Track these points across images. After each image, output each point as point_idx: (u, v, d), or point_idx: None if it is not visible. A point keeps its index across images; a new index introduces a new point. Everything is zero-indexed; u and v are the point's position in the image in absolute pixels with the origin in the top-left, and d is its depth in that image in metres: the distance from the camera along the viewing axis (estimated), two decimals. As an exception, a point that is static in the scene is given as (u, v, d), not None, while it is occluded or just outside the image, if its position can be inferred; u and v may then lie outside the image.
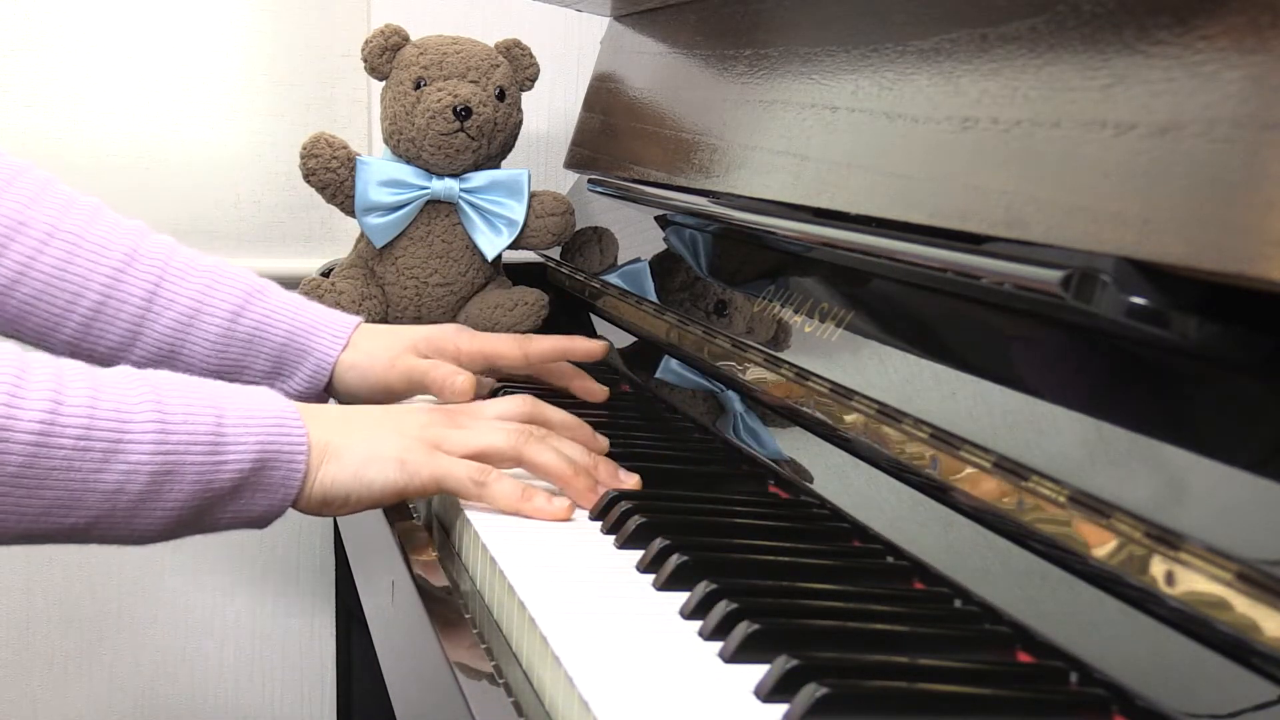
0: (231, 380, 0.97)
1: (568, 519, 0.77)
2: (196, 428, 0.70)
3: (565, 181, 1.52)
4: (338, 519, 1.29)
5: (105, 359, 0.94)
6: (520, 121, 1.31)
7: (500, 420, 0.81)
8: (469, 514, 0.76)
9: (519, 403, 0.83)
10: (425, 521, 0.84)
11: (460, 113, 1.24)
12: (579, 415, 0.87)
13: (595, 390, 1.02)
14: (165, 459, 0.68)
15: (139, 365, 0.96)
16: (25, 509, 0.65)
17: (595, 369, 1.14)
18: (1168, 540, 0.52)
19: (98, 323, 0.92)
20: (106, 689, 1.65)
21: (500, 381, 1.06)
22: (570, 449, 0.80)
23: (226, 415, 0.71)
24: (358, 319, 0.98)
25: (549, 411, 0.84)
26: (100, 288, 0.92)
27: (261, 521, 0.74)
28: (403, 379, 0.95)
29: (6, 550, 1.59)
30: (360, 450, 0.75)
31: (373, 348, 0.96)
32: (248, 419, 0.72)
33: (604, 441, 0.86)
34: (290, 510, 0.76)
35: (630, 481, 0.80)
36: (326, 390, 0.97)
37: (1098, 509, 0.56)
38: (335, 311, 0.98)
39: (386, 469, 0.75)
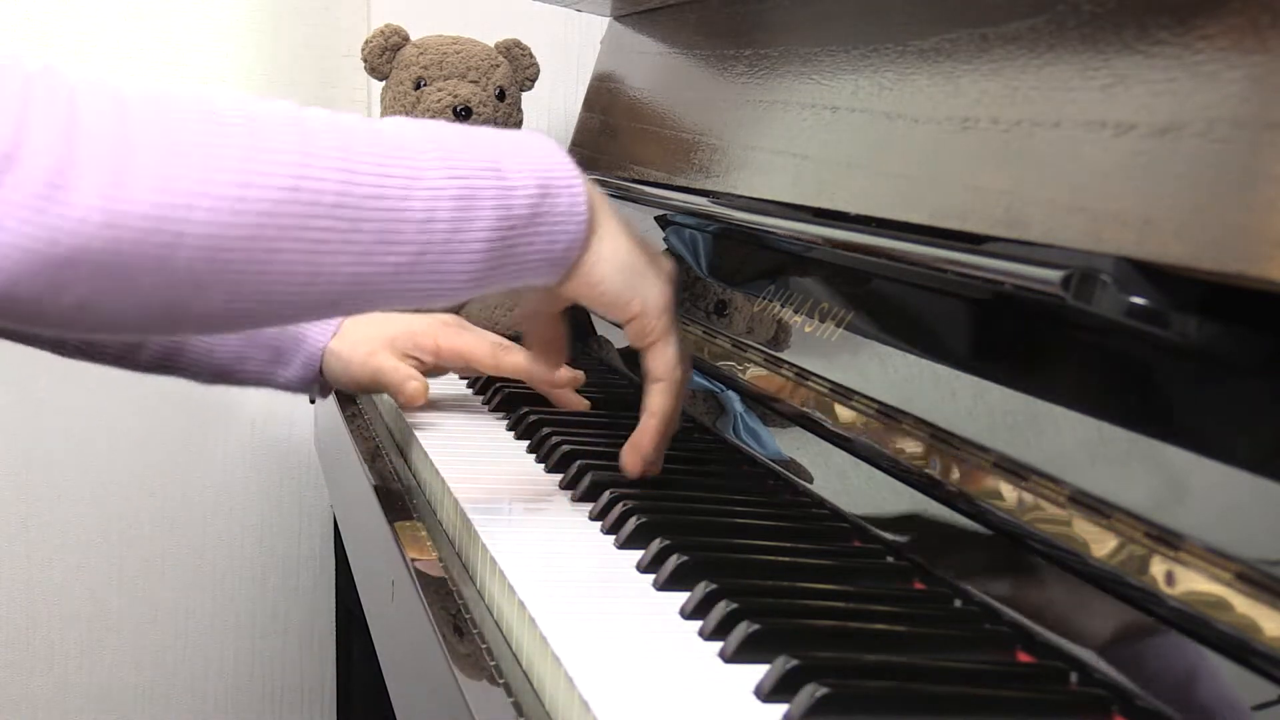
0: (233, 372, 1.01)
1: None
2: (479, 156, 0.69)
3: (565, 181, 1.51)
4: (337, 518, 1.29)
5: (119, 358, 0.98)
6: (520, 121, 1.31)
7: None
8: (471, 515, 0.76)
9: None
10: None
11: (460, 113, 1.24)
12: (577, 418, 0.88)
13: (573, 402, 1.01)
14: (461, 184, 0.67)
15: (148, 362, 1.00)
16: (354, 244, 0.64)
17: (595, 370, 1.15)
18: (1168, 540, 0.52)
19: None
20: (106, 689, 1.65)
21: (499, 381, 1.07)
22: None
23: (501, 149, 0.71)
24: None
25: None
26: None
27: (565, 263, 0.73)
28: (370, 377, 0.99)
29: (7, 549, 1.59)
30: (628, 245, 0.75)
31: (356, 337, 0.99)
32: (520, 152, 0.71)
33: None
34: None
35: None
36: (321, 375, 1.00)
37: (1098, 509, 0.56)
38: None
39: (651, 278, 0.76)
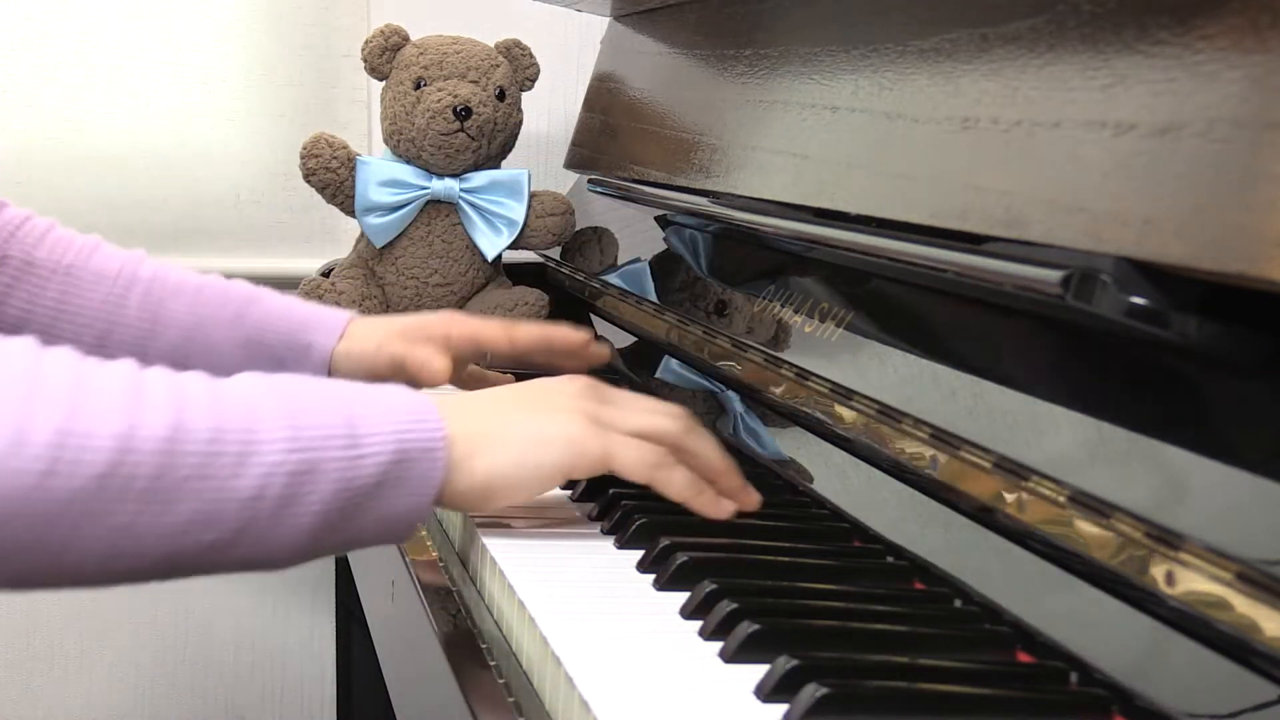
0: None
1: (729, 517, 0.73)
2: (330, 422, 0.65)
3: (565, 181, 1.52)
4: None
5: None
6: (520, 121, 1.31)
7: (656, 413, 0.76)
8: (471, 515, 0.76)
9: (675, 408, 0.78)
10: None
11: (460, 113, 1.24)
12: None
13: (596, 355, 1.01)
14: (302, 457, 0.63)
15: None
16: (164, 526, 0.60)
17: (595, 370, 1.14)
18: (1168, 540, 0.52)
19: (105, 349, 0.93)
20: (106, 689, 1.65)
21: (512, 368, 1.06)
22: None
23: (357, 409, 0.66)
24: (351, 313, 0.98)
25: (702, 439, 0.77)
26: (104, 316, 0.93)
27: (405, 525, 0.67)
28: (388, 364, 0.95)
29: (6, 550, 1.59)
30: (520, 432, 0.71)
31: (364, 334, 0.97)
32: (381, 412, 0.67)
33: (755, 495, 0.77)
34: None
35: (752, 501, 0.76)
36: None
37: (1098, 509, 0.56)
38: (329, 308, 1.00)
39: (552, 450, 0.70)
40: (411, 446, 0.66)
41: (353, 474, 0.64)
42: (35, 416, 0.57)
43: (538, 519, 0.77)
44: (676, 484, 0.72)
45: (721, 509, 0.73)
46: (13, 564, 0.58)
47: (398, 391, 0.69)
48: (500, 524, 0.75)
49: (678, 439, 0.74)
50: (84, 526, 0.58)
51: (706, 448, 0.75)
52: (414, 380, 0.94)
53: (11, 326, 0.92)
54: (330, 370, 0.97)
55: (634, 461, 0.72)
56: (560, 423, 0.71)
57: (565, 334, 1.00)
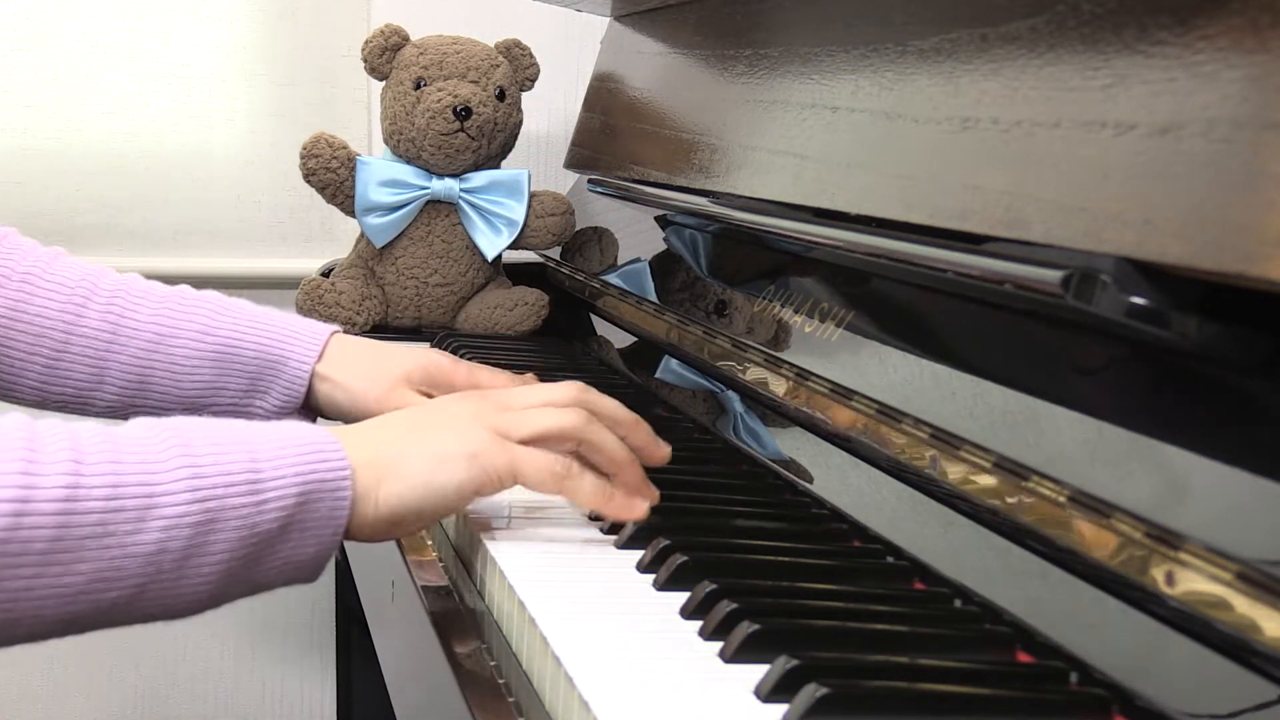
0: (209, 405, 0.91)
1: (642, 519, 0.73)
2: (231, 469, 0.63)
3: (565, 181, 1.52)
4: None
5: (76, 399, 0.91)
6: (520, 121, 1.31)
7: (551, 405, 0.75)
8: (471, 516, 0.76)
9: (568, 388, 0.77)
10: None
11: (460, 113, 1.24)
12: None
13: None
14: (204, 507, 0.61)
15: (110, 402, 0.91)
16: (63, 588, 0.58)
17: (595, 370, 1.15)
18: (1168, 540, 0.52)
19: (63, 362, 0.89)
20: (106, 689, 1.65)
21: None
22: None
23: (258, 451, 0.65)
24: (332, 327, 0.94)
25: (601, 400, 0.78)
26: (63, 325, 0.89)
27: (313, 567, 0.66)
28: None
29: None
30: (420, 456, 0.69)
31: (356, 367, 0.92)
32: (281, 451, 0.65)
33: (665, 449, 0.79)
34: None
35: (653, 495, 0.76)
36: (307, 406, 0.92)
37: (1098, 509, 0.56)
38: (308, 320, 0.95)
39: (457, 469, 0.69)
40: (315, 485, 0.65)
41: (257, 519, 0.63)
42: None
43: (538, 519, 0.77)
44: (585, 493, 0.72)
45: (633, 511, 0.72)
46: None
47: (298, 428, 0.67)
48: (500, 524, 0.75)
49: (579, 433, 0.73)
50: None
51: (606, 438, 0.74)
52: None
53: None
54: (311, 391, 0.92)
55: (541, 473, 0.71)
56: (461, 439, 0.70)
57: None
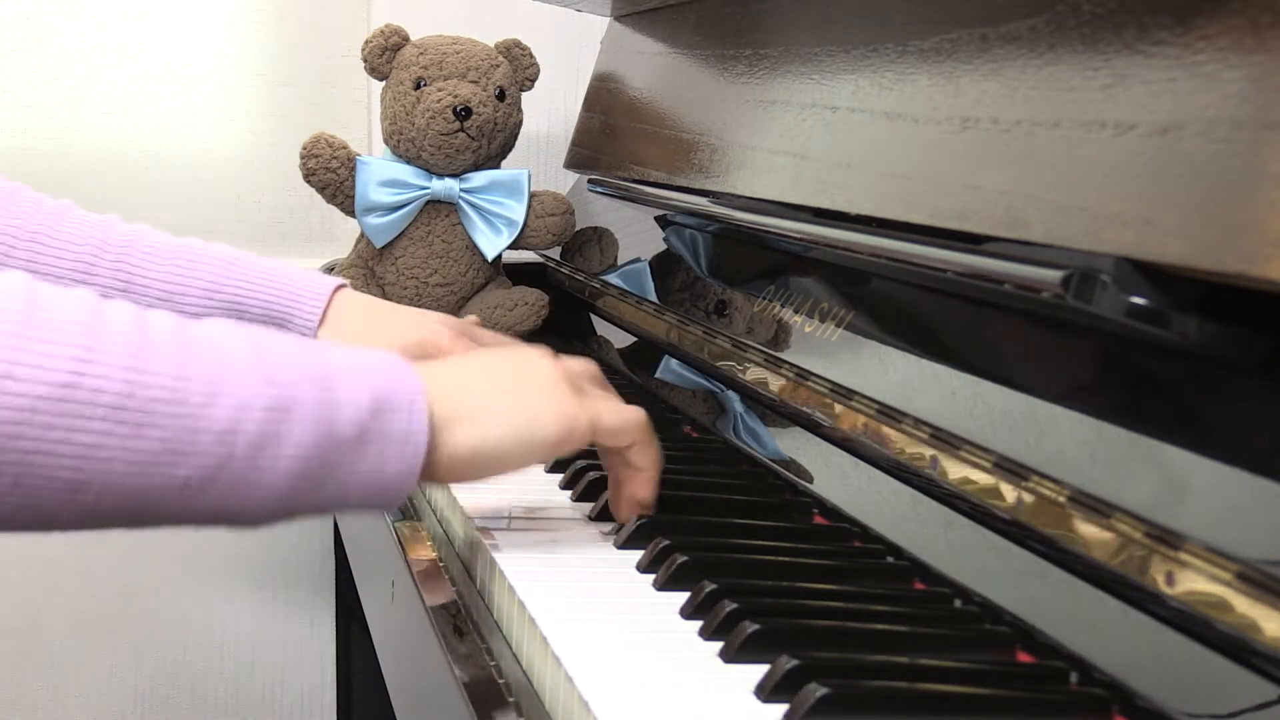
0: None
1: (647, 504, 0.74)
2: (303, 366, 0.62)
3: (565, 181, 1.52)
4: (337, 517, 1.29)
5: None
6: (520, 121, 1.31)
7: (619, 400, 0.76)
8: (471, 516, 0.76)
9: (633, 409, 0.76)
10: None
11: (460, 113, 1.24)
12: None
13: None
14: (277, 393, 0.60)
15: None
16: (133, 452, 0.56)
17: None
18: (1168, 540, 0.52)
19: None
20: (107, 689, 1.65)
21: None
22: None
23: (330, 358, 0.63)
24: (337, 280, 0.96)
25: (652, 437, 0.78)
26: (72, 283, 0.89)
27: (397, 490, 0.64)
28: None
29: (7, 549, 1.59)
30: (506, 404, 0.68)
31: (355, 334, 0.93)
32: (354, 364, 0.64)
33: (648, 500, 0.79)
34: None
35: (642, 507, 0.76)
36: None
37: (1098, 509, 0.56)
38: (315, 276, 0.96)
39: (546, 421, 0.68)
40: (389, 397, 0.63)
41: (331, 417, 0.61)
42: None
43: (538, 519, 0.77)
44: (650, 456, 0.73)
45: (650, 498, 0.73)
46: None
47: (372, 351, 0.67)
48: (500, 524, 0.75)
49: (643, 432, 0.73)
50: (46, 442, 0.55)
51: (657, 450, 0.74)
52: None
53: None
54: None
55: (625, 423, 0.71)
56: (548, 394, 0.70)
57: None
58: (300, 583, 1.69)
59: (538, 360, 0.73)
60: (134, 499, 0.58)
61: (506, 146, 1.30)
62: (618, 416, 0.71)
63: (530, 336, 1.29)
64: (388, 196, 1.26)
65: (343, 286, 0.96)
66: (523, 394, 0.69)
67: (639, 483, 0.74)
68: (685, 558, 0.66)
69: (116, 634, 1.65)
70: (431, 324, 0.98)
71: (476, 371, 0.71)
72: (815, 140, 0.89)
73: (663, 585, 0.66)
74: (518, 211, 1.28)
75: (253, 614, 1.68)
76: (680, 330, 1.03)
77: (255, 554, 1.67)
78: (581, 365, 0.76)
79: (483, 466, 0.68)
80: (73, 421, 0.55)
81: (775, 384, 0.86)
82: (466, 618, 0.68)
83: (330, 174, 1.27)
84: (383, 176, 1.26)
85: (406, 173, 1.27)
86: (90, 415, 0.56)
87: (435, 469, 0.66)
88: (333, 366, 0.63)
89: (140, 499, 0.58)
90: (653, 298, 1.11)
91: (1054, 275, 0.61)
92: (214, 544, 1.66)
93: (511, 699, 0.58)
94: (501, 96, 1.27)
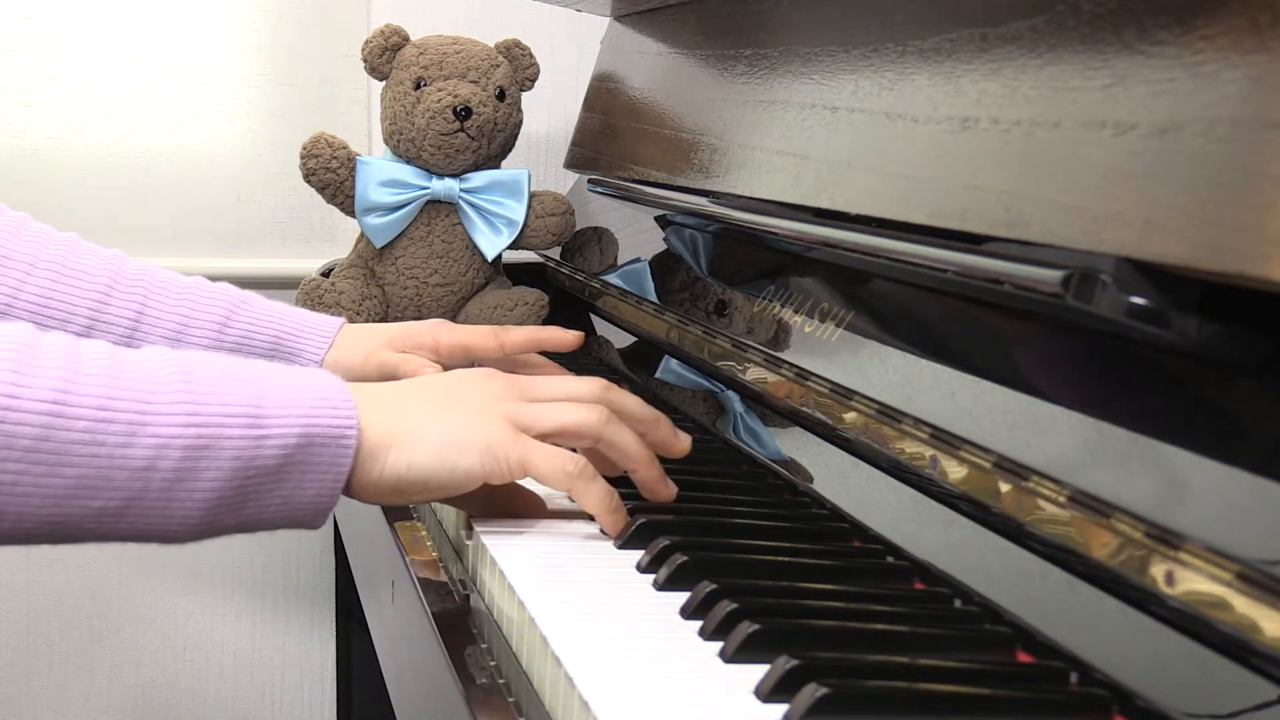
0: None
1: (626, 533, 0.73)
2: (232, 400, 0.64)
3: (565, 181, 1.52)
4: (337, 517, 1.29)
5: None
6: (520, 121, 1.31)
7: (573, 400, 0.76)
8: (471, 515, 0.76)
9: (591, 384, 0.78)
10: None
11: (460, 113, 1.24)
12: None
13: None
14: (199, 432, 0.62)
15: None
16: (47, 488, 0.59)
17: (595, 370, 1.15)
18: (1168, 540, 0.52)
19: None
20: (106, 690, 1.65)
21: None
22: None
23: (267, 389, 0.65)
24: (341, 320, 0.97)
25: (623, 398, 0.79)
26: (87, 313, 0.91)
27: (313, 514, 0.67)
28: (376, 372, 0.94)
29: (7, 550, 1.59)
30: (437, 432, 0.70)
31: (352, 345, 0.96)
32: (291, 395, 0.66)
33: (685, 441, 0.80)
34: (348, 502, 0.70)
35: (670, 492, 0.77)
36: None
37: (1098, 509, 0.56)
38: (319, 315, 0.98)
39: (470, 455, 0.69)
40: (319, 431, 0.65)
41: (254, 453, 0.64)
42: None
43: (538, 518, 0.77)
44: (592, 497, 0.72)
45: (624, 526, 0.73)
46: None
47: (313, 374, 0.68)
48: (500, 524, 0.75)
49: (598, 430, 0.74)
50: None
51: (625, 437, 0.75)
52: None
53: None
54: None
55: (553, 470, 0.71)
56: (480, 427, 0.71)
57: (556, 334, 0.99)
58: (300, 583, 1.69)
59: (484, 388, 0.74)
60: (50, 525, 0.61)
61: (506, 146, 1.30)
62: (548, 462, 0.71)
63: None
64: (388, 196, 1.26)
65: (345, 325, 0.97)
66: (457, 424, 0.70)
67: (606, 525, 0.74)
68: (685, 558, 0.66)
69: (116, 634, 1.64)
70: (426, 324, 0.99)
71: (416, 396, 0.73)
72: (815, 140, 0.89)
73: (663, 585, 0.66)
74: (518, 211, 1.28)
75: (252, 614, 1.68)
76: (680, 330, 1.03)
77: (255, 554, 1.67)
78: (585, 387, 0.77)
79: (405, 491, 0.69)
80: None
81: (775, 384, 0.86)
82: (466, 618, 0.68)
83: (330, 174, 1.27)
84: (383, 176, 1.26)
85: (406, 173, 1.27)
86: (5, 458, 0.59)
87: (360, 491, 0.68)
88: (266, 397, 0.65)
89: (57, 525, 0.61)
90: (653, 298, 1.11)
91: (1054, 275, 0.61)
92: (214, 545, 1.65)
93: (511, 699, 0.58)
94: (501, 96, 1.27)
